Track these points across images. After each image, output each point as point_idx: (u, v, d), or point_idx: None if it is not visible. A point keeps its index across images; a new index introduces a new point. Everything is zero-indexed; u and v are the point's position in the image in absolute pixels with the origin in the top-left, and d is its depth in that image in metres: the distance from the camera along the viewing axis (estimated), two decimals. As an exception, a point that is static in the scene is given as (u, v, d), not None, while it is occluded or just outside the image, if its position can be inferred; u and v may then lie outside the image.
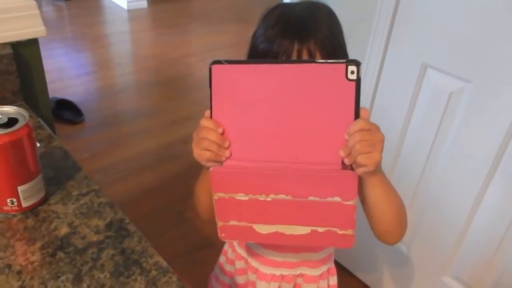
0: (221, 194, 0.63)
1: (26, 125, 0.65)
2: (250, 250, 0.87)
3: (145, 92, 2.93)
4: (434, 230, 1.30)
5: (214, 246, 1.17)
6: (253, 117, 0.60)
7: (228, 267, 0.94)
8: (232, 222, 0.65)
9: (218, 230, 0.67)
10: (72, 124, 2.45)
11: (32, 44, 0.95)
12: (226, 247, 0.95)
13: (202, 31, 3.89)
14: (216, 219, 0.66)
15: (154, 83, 3.04)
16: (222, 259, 0.96)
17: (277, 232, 0.65)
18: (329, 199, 0.60)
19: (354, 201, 0.60)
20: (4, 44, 0.90)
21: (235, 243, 0.90)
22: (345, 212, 0.61)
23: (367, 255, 1.54)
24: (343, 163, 0.59)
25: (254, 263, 0.87)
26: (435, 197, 1.26)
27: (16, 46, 0.92)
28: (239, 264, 0.90)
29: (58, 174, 0.76)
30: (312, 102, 0.58)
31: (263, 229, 0.65)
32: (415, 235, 1.35)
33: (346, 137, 0.57)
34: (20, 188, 0.66)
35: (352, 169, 0.59)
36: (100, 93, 2.86)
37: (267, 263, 0.86)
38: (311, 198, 0.61)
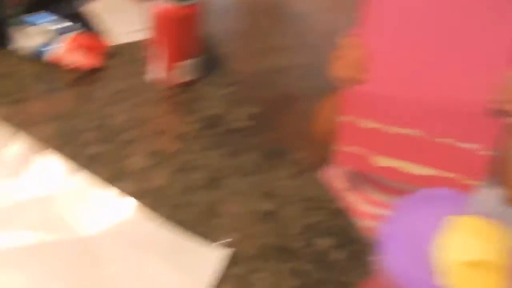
0: (350, 118, 0.63)
1: (200, 1, 0.67)
2: (354, 184, 0.87)
3: (241, 14, 2.91)
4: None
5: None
6: (401, 44, 0.58)
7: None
8: (352, 148, 0.65)
9: (335, 154, 0.66)
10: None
11: None
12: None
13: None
14: (336, 142, 0.65)
15: (252, 5, 3.01)
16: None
17: (395, 168, 0.64)
18: (466, 144, 0.58)
19: (491, 151, 0.58)
20: None
21: (338, 175, 0.90)
22: (478, 161, 0.59)
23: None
24: (486, 106, 0.56)
25: (352, 198, 0.88)
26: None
27: None
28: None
29: (207, 62, 0.78)
30: (470, 37, 0.55)
31: (383, 161, 0.65)
32: None
33: (505, 80, 0.55)
34: (183, 63, 0.70)
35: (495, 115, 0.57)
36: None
37: (367, 200, 0.86)
38: (445, 139, 0.59)
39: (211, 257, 0.49)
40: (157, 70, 0.71)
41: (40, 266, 0.47)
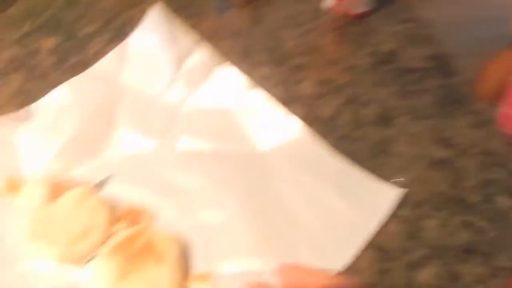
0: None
1: None
2: None
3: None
4: None
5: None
6: None
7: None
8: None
9: (498, 116, 0.59)
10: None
11: None
12: None
13: None
14: (501, 103, 0.58)
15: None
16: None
17: None
18: None
19: None
20: None
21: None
22: None
23: None
24: None
25: None
26: None
27: None
28: None
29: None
30: None
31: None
32: None
33: None
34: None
35: None
36: None
37: None
38: None
39: (381, 194, 0.47)
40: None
41: (216, 172, 0.48)
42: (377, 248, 0.45)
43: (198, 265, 0.44)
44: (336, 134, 0.54)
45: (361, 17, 0.69)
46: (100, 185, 0.48)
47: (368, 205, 0.46)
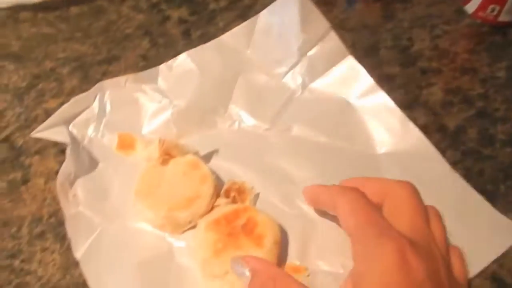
0: None
1: None
2: None
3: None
4: None
5: None
6: None
7: None
8: None
9: None
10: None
11: None
12: None
13: None
14: None
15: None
16: None
17: None
18: None
19: None
20: None
21: None
22: None
23: None
24: None
25: None
26: None
27: None
28: None
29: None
30: None
31: None
32: None
33: None
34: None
35: None
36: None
37: None
38: None
39: (504, 226, 0.42)
40: (474, 2, 0.62)
41: (325, 165, 0.47)
42: (497, 280, 0.41)
43: (291, 256, 0.42)
44: (460, 148, 0.50)
45: (505, 26, 0.63)
46: (208, 156, 0.48)
47: (487, 236, 0.42)
